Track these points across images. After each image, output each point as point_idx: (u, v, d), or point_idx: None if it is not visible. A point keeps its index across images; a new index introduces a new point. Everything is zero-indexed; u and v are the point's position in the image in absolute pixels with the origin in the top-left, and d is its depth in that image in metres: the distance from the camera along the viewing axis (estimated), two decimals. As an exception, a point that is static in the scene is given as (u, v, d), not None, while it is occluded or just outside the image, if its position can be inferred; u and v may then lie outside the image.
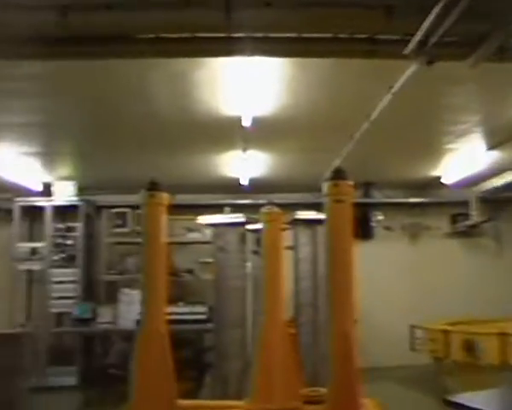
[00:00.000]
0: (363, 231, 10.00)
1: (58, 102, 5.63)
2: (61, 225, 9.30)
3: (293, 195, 9.57)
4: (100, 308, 8.20)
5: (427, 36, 3.25)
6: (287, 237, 6.13)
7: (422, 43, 3.32)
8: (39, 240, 9.29)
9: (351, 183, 3.58)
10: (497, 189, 9.24)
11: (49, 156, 8.00)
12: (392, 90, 4.64)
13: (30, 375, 7.96)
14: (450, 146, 7.50)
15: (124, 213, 9.13)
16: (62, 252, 9.19)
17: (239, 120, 5.82)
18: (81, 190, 9.41)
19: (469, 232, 10.22)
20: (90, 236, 9.63)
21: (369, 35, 3.63)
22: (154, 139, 6.85)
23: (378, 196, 10.28)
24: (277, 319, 4.94)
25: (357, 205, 9.98)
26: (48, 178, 9.15)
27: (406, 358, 8.63)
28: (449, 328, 7.53)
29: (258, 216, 5.42)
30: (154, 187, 3.87)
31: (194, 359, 8.51)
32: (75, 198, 9.28)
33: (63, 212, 9.49)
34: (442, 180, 9.34)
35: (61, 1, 3.06)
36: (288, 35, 3.64)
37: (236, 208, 8.42)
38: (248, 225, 6.17)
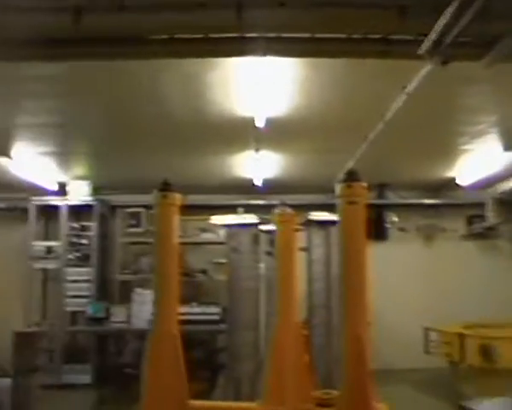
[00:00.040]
0: (378, 232, 9.93)
1: (74, 103, 5.68)
2: (75, 225, 9.38)
3: (306, 196, 9.54)
4: (113, 308, 8.25)
5: (441, 36, 3.21)
6: (300, 239, 6.12)
7: (437, 43, 3.28)
8: (54, 239, 9.38)
9: (364, 184, 3.55)
10: (513, 190, 9.13)
11: (64, 156, 8.07)
12: (407, 91, 4.59)
13: (45, 373, 8.06)
14: (465, 147, 7.41)
15: (138, 213, 9.17)
16: (77, 251, 9.27)
17: (252, 120, 5.81)
18: (96, 190, 9.49)
19: (485, 234, 10.10)
20: (105, 235, 9.69)
21: (382, 35, 3.61)
22: (168, 140, 6.87)
23: (392, 198, 10.21)
24: (290, 321, 4.93)
25: (372, 206, 10.03)
26: (63, 178, 9.24)
27: (420, 361, 8.55)
28: (464, 331, 7.43)
29: (271, 217, 5.41)
30: (166, 187, 3.88)
31: (206, 359, 8.53)
32: (90, 198, 9.36)
33: (78, 211, 9.58)
34: (457, 181, 9.25)
35: (74, 2, 3.08)
36: (301, 35, 3.62)
37: (250, 209, 8.42)
38: (261, 225, 6.16)
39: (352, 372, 3.41)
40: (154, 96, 5.24)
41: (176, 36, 3.43)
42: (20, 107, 5.83)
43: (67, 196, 9.35)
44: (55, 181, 9.31)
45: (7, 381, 4.11)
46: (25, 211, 9.37)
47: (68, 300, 9.11)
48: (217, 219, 6.57)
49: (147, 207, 8.68)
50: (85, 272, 9.18)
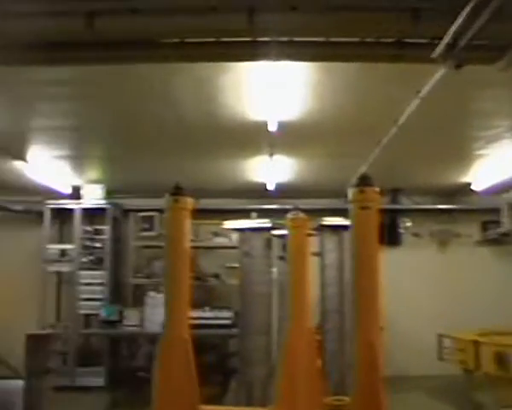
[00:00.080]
0: (391, 237, 9.87)
1: (88, 107, 5.73)
2: (89, 228, 9.45)
3: (319, 200, 9.51)
4: (127, 311, 8.26)
5: (455, 39, 3.18)
6: (313, 244, 6.10)
7: (450, 46, 3.24)
8: (69, 242, 9.45)
9: (377, 189, 3.53)
10: (530, 196, 9.02)
11: (78, 159, 8.14)
12: (420, 95, 4.55)
13: (58, 375, 8.12)
14: (480, 152, 7.34)
15: (151, 217, 9.20)
16: (91, 254, 9.32)
17: (265, 124, 5.81)
18: (109, 194, 9.54)
19: (500, 240, 9.97)
20: (118, 239, 9.74)
21: (396, 39, 3.57)
22: (181, 143, 6.89)
23: (406, 203, 10.14)
24: (302, 326, 4.90)
25: (385, 211, 9.97)
26: (77, 182, 9.30)
27: (434, 367, 8.45)
28: (479, 339, 7.32)
29: (283, 221, 5.40)
30: (177, 192, 3.88)
31: (218, 364, 8.51)
32: (103, 201, 9.41)
33: (92, 215, 9.64)
34: (472, 187, 9.15)
35: (87, 6, 3.10)
36: (313, 39, 3.61)
37: (263, 213, 8.42)
38: (274, 230, 6.14)
39: (363, 379, 3.38)
40: (167, 100, 5.26)
41: (187, 40, 3.44)
42: (36, 110, 5.89)
43: (81, 200, 9.42)
44: (69, 184, 9.38)
45: (20, 383, 4.13)
46: (40, 214, 9.45)
47: (82, 303, 9.17)
48: (229, 224, 6.56)
49: (160, 210, 8.71)
50: (99, 276, 9.23)
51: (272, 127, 5.85)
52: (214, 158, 7.80)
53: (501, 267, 9.95)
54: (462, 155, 7.64)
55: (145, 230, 9.25)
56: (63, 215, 9.68)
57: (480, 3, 2.87)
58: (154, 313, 7.84)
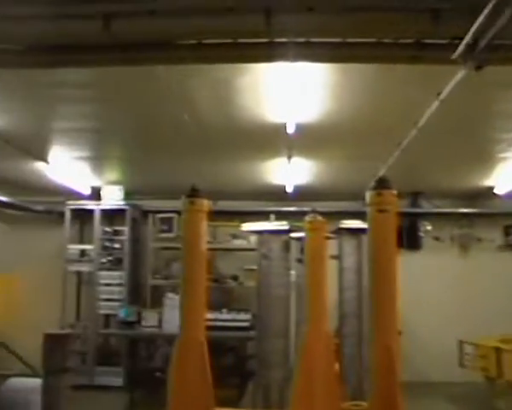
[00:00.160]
0: (411, 241, 9.77)
1: (108, 109, 5.77)
2: (108, 229, 9.53)
3: (338, 203, 9.45)
4: (145, 312, 8.31)
5: (475, 39, 3.11)
6: (331, 246, 6.05)
7: (471, 46, 3.18)
8: (89, 242, 9.54)
9: (394, 192, 3.48)
10: (554, 200, 8.84)
11: (98, 161, 8.22)
12: (441, 97, 4.48)
13: (77, 374, 8.21)
14: (503, 154, 7.20)
15: (169, 219, 9.24)
16: (110, 255, 9.41)
17: (283, 127, 5.78)
18: (128, 195, 9.61)
19: (524, 245, 9.82)
20: (137, 240, 9.81)
21: (414, 40, 3.52)
22: (199, 145, 6.90)
23: (426, 206, 10.01)
24: (320, 329, 4.87)
25: (405, 215, 9.85)
26: (97, 183, 9.39)
27: (455, 374, 8.35)
28: (502, 346, 7.19)
29: (301, 224, 5.37)
30: (194, 194, 3.87)
31: (236, 366, 8.50)
32: (122, 202, 9.48)
33: (111, 215, 9.73)
34: (495, 191, 9.00)
35: (104, 9, 3.12)
36: (330, 40, 3.57)
37: (281, 216, 8.39)
38: (292, 232, 6.12)
39: (381, 383, 3.34)
40: (185, 102, 5.27)
41: (204, 41, 3.43)
42: (57, 112, 5.95)
43: (101, 201, 9.50)
44: (89, 186, 9.48)
45: (39, 381, 4.17)
46: (61, 214, 9.58)
47: (101, 303, 9.26)
48: (247, 226, 6.55)
49: (178, 212, 8.74)
50: (118, 276, 9.31)
51: (290, 129, 5.82)
52: (232, 160, 7.81)
53: (523, 273, 9.77)
54: (484, 157, 7.51)
55: (164, 231, 9.31)
56: (83, 216, 9.79)
57: (501, 2, 2.80)
58: (172, 315, 7.85)
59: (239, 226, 7.38)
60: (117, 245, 9.43)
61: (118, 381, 8.89)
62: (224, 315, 8.13)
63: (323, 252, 5.17)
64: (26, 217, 10.00)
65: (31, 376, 5.97)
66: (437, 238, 9.94)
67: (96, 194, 9.57)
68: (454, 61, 3.39)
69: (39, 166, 7.81)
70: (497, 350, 7.11)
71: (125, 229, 9.44)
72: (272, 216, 9.14)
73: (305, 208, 6.13)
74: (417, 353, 9.04)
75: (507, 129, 6.18)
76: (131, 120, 6.20)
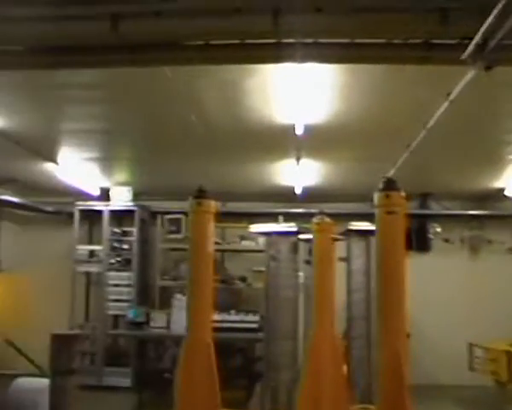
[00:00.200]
0: (420, 243, 9.71)
1: (117, 109, 5.79)
2: (117, 230, 9.55)
3: (347, 205, 9.42)
4: (153, 313, 8.32)
5: (485, 39, 3.07)
6: (340, 248, 6.03)
7: (480, 47, 3.14)
8: (97, 243, 9.57)
9: (403, 194, 3.46)
10: None
11: (107, 162, 8.24)
12: (450, 98, 4.44)
13: (84, 375, 8.24)
14: (513, 156, 7.15)
15: (178, 220, 9.24)
16: (118, 256, 9.43)
17: (292, 128, 5.76)
18: (136, 196, 9.64)
19: (535, 248, 9.72)
20: (145, 241, 9.82)
21: (423, 40, 3.49)
22: (208, 147, 6.90)
23: (436, 208, 9.95)
24: (327, 332, 4.85)
25: (414, 216, 9.78)
26: (105, 184, 9.42)
27: (465, 377, 8.28)
28: (512, 349, 7.14)
29: (310, 226, 5.35)
30: (201, 195, 3.86)
31: (244, 368, 8.49)
32: (131, 203, 9.50)
33: (120, 216, 9.75)
34: (505, 192, 8.92)
35: (111, 10, 3.12)
36: (339, 41, 3.55)
37: (290, 217, 8.36)
38: (301, 234, 6.10)
39: (388, 387, 3.32)
40: (193, 103, 5.27)
41: (212, 42, 3.42)
42: (66, 113, 5.99)
43: (110, 202, 9.53)
44: (98, 186, 9.51)
45: (46, 382, 4.19)
46: (70, 215, 9.62)
47: (110, 303, 9.28)
48: (256, 228, 6.54)
49: (186, 213, 8.74)
50: (126, 277, 9.33)
51: (299, 131, 5.81)
52: (241, 161, 7.80)
53: (534, 276, 9.67)
54: (495, 158, 7.44)
55: (172, 232, 9.30)
56: (92, 217, 9.82)
57: (510, 1, 2.77)
58: (180, 316, 7.85)
59: (247, 228, 7.37)
60: (125, 246, 9.44)
61: (126, 382, 8.91)
62: (233, 316, 8.11)
63: (331, 254, 5.15)
64: (37, 218, 10.06)
65: (38, 376, 5.99)
66: (446, 240, 9.86)
67: (104, 195, 9.59)
68: (463, 62, 3.36)
69: (49, 167, 7.85)
70: (508, 354, 7.04)
71: (134, 230, 9.46)
72: (281, 218, 9.12)
73: (314, 210, 6.11)
74: (426, 355, 8.98)
75: (517, 130, 6.13)
76: (140, 121, 6.22)
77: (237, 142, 6.79)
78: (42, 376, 5.57)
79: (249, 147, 7.02)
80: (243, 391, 7.57)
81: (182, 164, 8.02)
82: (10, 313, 9.32)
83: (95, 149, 7.39)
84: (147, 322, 8.15)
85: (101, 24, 3.14)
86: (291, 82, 4.51)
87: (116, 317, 9.51)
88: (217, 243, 9.07)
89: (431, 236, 9.84)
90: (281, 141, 6.44)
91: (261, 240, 8.11)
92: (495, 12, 2.86)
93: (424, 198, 9.82)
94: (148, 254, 9.86)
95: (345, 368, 5.39)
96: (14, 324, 9.10)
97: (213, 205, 3.96)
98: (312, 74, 4.34)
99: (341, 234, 6.03)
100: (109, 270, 9.36)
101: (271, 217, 8.72)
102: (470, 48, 3.19)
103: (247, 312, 8.29)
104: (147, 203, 9.93)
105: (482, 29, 3.01)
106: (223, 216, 9.12)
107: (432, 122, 5.14)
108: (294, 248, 6.15)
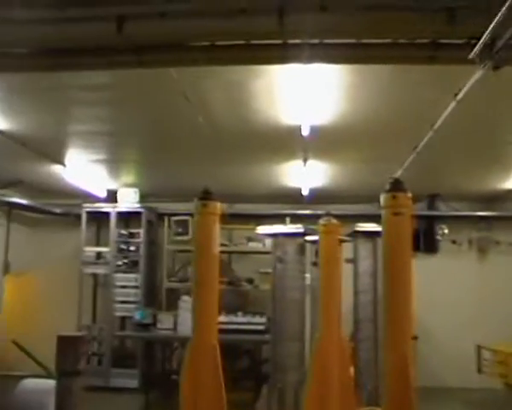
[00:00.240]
0: (428, 244, 9.66)
1: (123, 111, 5.80)
2: (124, 231, 9.56)
3: (354, 206, 9.38)
4: (160, 314, 8.32)
5: (493, 39, 3.04)
6: (347, 250, 6.00)
7: (488, 46, 3.11)
8: (105, 245, 9.59)
9: (409, 195, 3.43)
10: None
11: (114, 164, 8.26)
12: (458, 98, 4.40)
13: (90, 376, 8.27)
14: (522, 157, 7.09)
15: (185, 221, 9.24)
16: (125, 257, 9.44)
17: (298, 129, 5.75)
18: (143, 198, 9.65)
19: (544, 249, 9.63)
20: (152, 242, 9.83)
21: (430, 40, 3.46)
22: (215, 148, 6.90)
23: (443, 209, 9.88)
24: (333, 334, 4.81)
25: (422, 217, 9.72)
26: (112, 185, 9.44)
27: (473, 380, 8.22)
28: (522, 352, 7.06)
29: (316, 227, 5.32)
30: (206, 196, 3.85)
31: (251, 369, 8.47)
32: (138, 205, 9.52)
33: (127, 218, 9.77)
34: (514, 193, 8.87)
35: (116, 11, 3.12)
36: (345, 41, 3.53)
37: (297, 219, 8.35)
38: (307, 235, 6.07)
39: (395, 390, 3.29)
40: (199, 104, 5.25)
41: (217, 43, 3.41)
42: (73, 115, 6.00)
43: (117, 204, 9.55)
44: (105, 188, 9.53)
45: (52, 383, 4.19)
46: (78, 217, 9.65)
47: (117, 305, 9.29)
48: (262, 229, 6.52)
49: (193, 215, 8.73)
50: (133, 278, 9.34)
51: (305, 132, 5.79)
52: (248, 163, 7.79)
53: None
54: (503, 159, 7.39)
55: (179, 234, 9.31)
56: (99, 218, 9.85)
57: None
58: (186, 318, 7.84)
59: (254, 229, 7.36)
60: (132, 248, 9.46)
61: (133, 383, 8.92)
62: (240, 318, 8.10)
63: (337, 255, 5.12)
64: (45, 220, 10.11)
65: (45, 377, 6.00)
66: (454, 241, 9.80)
67: (111, 197, 9.61)
68: (471, 62, 3.33)
69: (56, 168, 7.87)
70: (517, 356, 6.99)
71: (141, 231, 9.47)
72: (288, 219, 9.10)
73: (321, 211, 6.09)
74: (434, 357, 8.93)
75: (526, 131, 6.08)
76: (146, 123, 6.22)
77: (244, 143, 6.78)
78: (48, 377, 5.57)
79: (256, 148, 7.01)
80: (250, 393, 7.55)
81: (188, 165, 8.02)
82: (19, 315, 9.36)
83: (102, 150, 7.41)
84: (154, 324, 8.16)
85: (106, 25, 3.14)
86: (297, 83, 4.50)
87: (123, 318, 9.52)
88: (224, 245, 9.08)
89: (439, 237, 9.77)
90: (287, 142, 6.42)
91: (268, 241, 8.09)
92: (503, 11, 2.83)
93: (432, 199, 9.77)
94: (155, 256, 9.87)
95: (352, 370, 5.36)
96: (22, 325, 9.13)
97: (219, 206, 3.94)
98: (318, 75, 4.32)
99: (348, 235, 6.00)
100: (116, 271, 9.38)
101: (278, 218, 8.71)
102: (478, 47, 3.17)
103: (254, 313, 8.27)
104: (154, 205, 9.95)
105: (490, 28, 2.98)
106: (230, 218, 9.14)
107: (439, 123, 5.11)
108: (301, 250, 6.11)
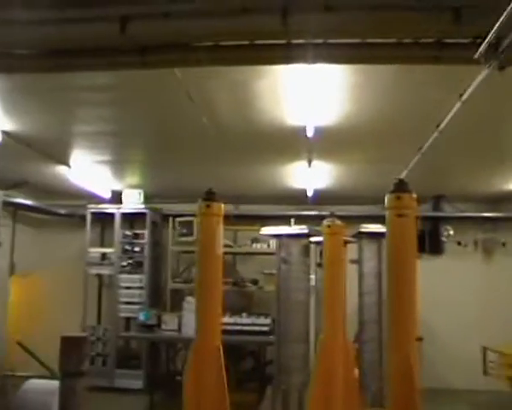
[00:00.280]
0: (433, 245, 9.62)
1: (128, 112, 5.79)
2: (128, 232, 9.57)
3: (358, 207, 9.36)
4: (165, 315, 8.32)
5: (498, 38, 3.02)
6: (351, 251, 5.98)
7: (493, 46, 3.09)
8: (109, 246, 9.61)
9: (414, 195, 3.41)
10: None
11: (119, 164, 8.26)
12: (463, 98, 4.38)
13: (93, 376, 8.27)
14: (528, 158, 7.04)
15: (189, 222, 9.23)
16: (130, 258, 9.45)
17: (303, 130, 5.73)
18: (148, 199, 9.66)
19: (550, 251, 9.57)
20: (157, 243, 9.84)
21: (435, 39, 3.44)
22: (219, 149, 6.89)
23: (449, 210, 9.83)
24: (337, 335, 4.80)
25: (427, 219, 9.68)
26: (117, 186, 9.45)
27: (479, 382, 8.17)
28: (528, 354, 7.01)
29: (320, 228, 5.30)
30: (209, 197, 3.84)
31: (255, 370, 8.46)
32: (142, 206, 9.52)
33: (131, 219, 9.78)
34: (520, 194, 8.81)
35: (119, 11, 3.11)
36: (349, 41, 3.51)
37: (302, 220, 8.33)
38: (312, 236, 6.06)
39: (399, 392, 3.27)
40: (203, 104, 5.24)
41: (221, 43, 3.40)
42: (77, 115, 6.00)
43: (121, 204, 9.56)
44: (110, 189, 9.54)
45: (56, 384, 4.19)
46: (83, 218, 9.68)
47: (122, 306, 9.30)
48: (267, 230, 6.51)
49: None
50: (138, 279, 9.35)
51: (310, 132, 5.77)
52: (253, 163, 7.78)
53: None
54: (509, 160, 7.34)
55: (183, 235, 9.31)
56: (104, 219, 9.87)
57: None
58: (191, 318, 7.81)
59: (259, 230, 7.35)
60: (137, 248, 9.47)
61: (138, 384, 8.94)
62: (244, 319, 8.10)
63: (342, 256, 5.11)
64: (50, 220, 10.14)
65: (49, 378, 6.01)
66: (459, 243, 9.75)
67: (116, 197, 9.63)
68: (476, 61, 3.30)
69: (61, 169, 7.89)
70: (523, 358, 6.94)
71: (145, 232, 9.48)
72: (292, 220, 9.09)
73: (325, 212, 6.07)
74: (440, 359, 8.90)
75: (532, 131, 6.04)
76: (151, 123, 6.22)
77: (248, 144, 6.77)
78: (52, 378, 5.58)
79: (261, 149, 7.00)
80: (254, 394, 7.55)
81: (193, 166, 8.02)
82: (24, 315, 9.39)
83: (106, 151, 7.41)
84: (158, 325, 8.16)
85: (109, 26, 3.13)
86: (301, 83, 4.49)
87: (128, 319, 9.53)
88: (229, 246, 9.09)
89: (444, 238, 9.73)
90: (292, 143, 6.41)
91: (273, 242, 8.09)
92: (508, 10, 2.80)
93: (437, 200, 9.73)
94: (159, 257, 9.88)
95: (356, 371, 5.34)
96: (27, 325, 9.16)
97: (222, 207, 3.93)
98: (323, 75, 4.31)
99: (353, 236, 5.98)
100: (121, 272, 9.40)
101: (283, 219, 8.71)
102: (483, 47, 3.14)
103: (259, 315, 8.28)
104: (158, 206, 9.96)
105: (495, 28, 2.96)
106: (235, 219, 9.15)
107: (444, 123, 5.08)
108: (306, 251, 6.10)
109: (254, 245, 9.54)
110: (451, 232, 9.69)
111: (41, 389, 5.00)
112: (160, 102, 5.32)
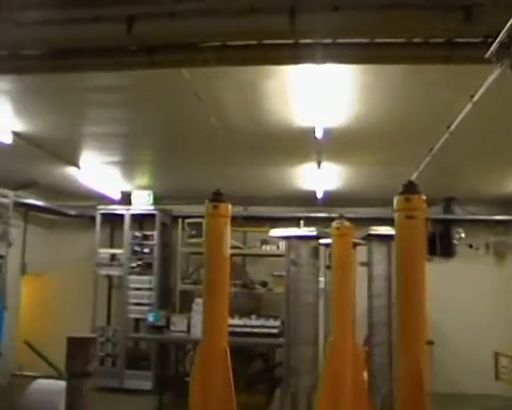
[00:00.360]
0: (444, 248, 9.52)
1: (137, 113, 5.80)
2: (138, 234, 9.58)
3: (368, 209, 9.30)
4: (174, 316, 8.32)
5: (510, 37, 2.97)
6: (361, 253, 5.93)
7: (505, 45, 3.03)
8: (119, 247, 9.62)
9: (423, 197, 3.36)
10: None
11: (128, 165, 8.28)
12: (474, 99, 4.32)
13: (107, 377, 8.29)
14: (541, 160, 6.94)
15: (199, 224, 9.21)
16: (139, 259, 9.46)
17: (312, 131, 5.69)
18: (157, 200, 9.67)
19: None
20: (166, 244, 9.84)
21: (445, 39, 3.39)
22: (228, 149, 6.87)
23: (460, 212, 9.74)
24: (345, 337, 4.76)
25: (438, 221, 9.58)
26: (126, 187, 9.47)
27: (491, 387, 8.07)
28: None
29: (329, 230, 5.27)
30: (217, 198, 3.81)
31: (264, 373, 8.43)
32: (152, 207, 9.53)
33: (141, 220, 9.80)
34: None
35: (126, 11, 3.10)
36: (358, 40, 3.47)
37: (311, 222, 8.30)
38: (321, 239, 6.02)
39: (408, 395, 3.22)
40: (212, 105, 5.23)
41: (228, 43, 3.38)
42: (87, 117, 6.02)
43: (131, 206, 9.57)
44: (119, 190, 9.57)
45: (63, 384, 4.19)
46: (92, 219, 9.72)
47: (131, 307, 9.31)
48: (276, 232, 6.48)
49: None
50: (147, 281, 9.36)
51: (319, 134, 5.73)
52: (262, 165, 7.76)
53: None
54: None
55: (193, 236, 9.30)
56: (114, 220, 9.89)
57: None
58: (200, 320, 7.82)
59: (268, 232, 7.32)
60: (146, 250, 9.48)
61: (147, 384, 8.95)
62: (253, 321, 8.08)
63: (351, 258, 5.07)
64: (60, 221, 10.19)
65: (57, 378, 6.03)
66: (471, 246, 9.65)
67: (126, 199, 9.65)
68: (487, 61, 3.25)
69: (71, 170, 7.92)
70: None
71: (155, 234, 9.49)
72: (302, 222, 9.06)
73: (335, 214, 6.03)
74: (451, 363, 8.81)
75: (545, 132, 5.94)
76: (160, 124, 6.22)
77: (257, 145, 6.75)
78: (60, 378, 5.60)
79: (270, 150, 6.97)
80: (263, 396, 7.52)
81: (202, 167, 8.01)
82: (34, 315, 9.43)
83: (116, 152, 7.43)
84: (167, 326, 8.17)
85: (116, 26, 3.13)
86: (310, 83, 4.46)
87: (137, 320, 9.54)
88: (238, 248, 9.06)
89: (455, 241, 9.63)
90: (301, 144, 6.37)
91: (282, 244, 8.05)
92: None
93: (448, 203, 9.65)
94: (168, 258, 9.88)
95: (365, 374, 5.30)
96: (38, 325, 9.21)
97: (230, 208, 3.91)
98: (331, 75, 4.27)
99: (362, 239, 5.93)
100: (130, 273, 9.41)
101: (292, 221, 8.68)
102: (494, 46, 3.08)
103: (268, 317, 8.25)
104: (168, 207, 9.96)
105: (507, 27, 2.90)
106: (244, 220, 9.12)
107: (455, 124, 5.02)
108: (315, 253, 6.06)
109: (264, 247, 9.51)
110: (463, 235, 9.60)
111: (48, 389, 5.01)
112: (169, 102, 5.32)
